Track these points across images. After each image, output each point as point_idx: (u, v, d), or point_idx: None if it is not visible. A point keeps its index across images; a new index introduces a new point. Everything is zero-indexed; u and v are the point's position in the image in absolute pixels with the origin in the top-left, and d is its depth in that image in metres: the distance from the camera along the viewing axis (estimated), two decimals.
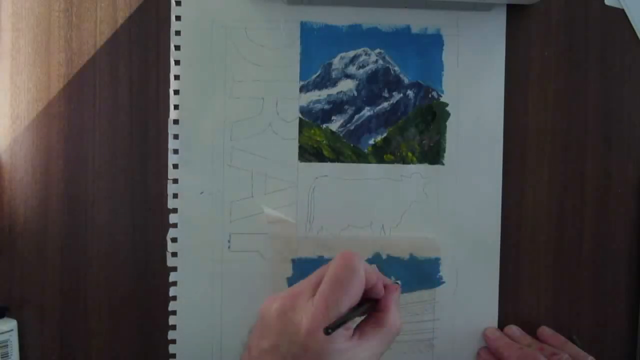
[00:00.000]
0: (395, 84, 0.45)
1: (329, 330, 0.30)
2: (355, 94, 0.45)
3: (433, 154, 0.45)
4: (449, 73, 0.45)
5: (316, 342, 0.31)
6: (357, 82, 0.45)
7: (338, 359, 0.32)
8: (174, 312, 0.44)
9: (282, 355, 0.32)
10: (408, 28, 0.45)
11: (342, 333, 0.32)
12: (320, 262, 0.44)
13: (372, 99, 0.45)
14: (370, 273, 0.34)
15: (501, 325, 0.45)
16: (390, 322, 0.35)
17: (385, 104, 0.45)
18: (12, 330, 0.43)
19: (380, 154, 0.45)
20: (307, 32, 0.44)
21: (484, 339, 0.45)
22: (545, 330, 0.45)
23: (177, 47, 0.44)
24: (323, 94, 0.45)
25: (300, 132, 0.44)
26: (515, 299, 0.45)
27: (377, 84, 0.45)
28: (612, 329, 0.46)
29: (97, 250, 0.44)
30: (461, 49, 0.45)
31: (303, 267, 0.44)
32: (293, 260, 0.44)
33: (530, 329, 0.45)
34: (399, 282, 0.40)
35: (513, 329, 0.45)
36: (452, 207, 0.45)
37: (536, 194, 0.46)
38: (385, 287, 0.36)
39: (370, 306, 0.35)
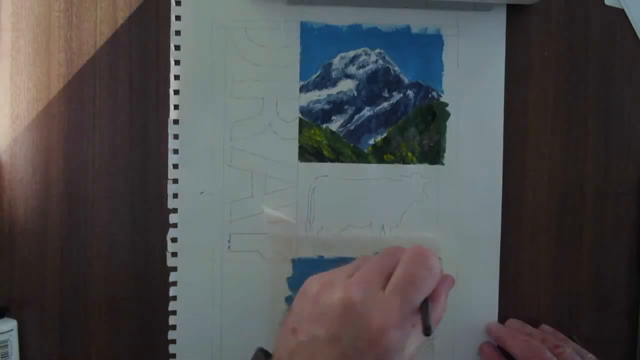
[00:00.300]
0: (395, 84, 0.45)
1: (429, 331, 0.30)
2: (355, 94, 0.45)
3: (433, 154, 0.45)
4: (449, 73, 0.45)
5: (387, 340, 0.30)
6: (357, 82, 0.45)
7: (400, 355, 0.31)
8: (174, 312, 0.44)
9: (343, 347, 0.30)
10: (408, 28, 0.45)
11: (412, 331, 0.31)
12: (320, 262, 0.44)
13: (372, 99, 0.45)
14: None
15: None
16: (438, 312, 0.34)
17: (385, 104, 0.45)
18: (12, 330, 0.43)
19: (380, 154, 0.45)
20: (307, 32, 0.44)
21: (487, 332, 0.44)
22: (545, 328, 0.45)
23: (177, 47, 0.44)
24: (323, 94, 0.45)
25: (300, 132, 0.44)
26: (515, 298, 0.45)
27: (377, 84, 0.45)
28: (612, 328, 0.46)
29: (97, 250, 0.44)
30: (461, 49, 0.45)
31: (303, 267, 0.44)
32: (293, 260, 0.44)
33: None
34: None
35: (514, 322, 0.45)
36: (452, 207, 0.45)
37: (536, 194, 0.45)
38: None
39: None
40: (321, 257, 0.44)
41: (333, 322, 0.31)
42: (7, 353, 0.43)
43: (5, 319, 0.43)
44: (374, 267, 0.33)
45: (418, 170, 0.45)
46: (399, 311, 0.31)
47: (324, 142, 0.45)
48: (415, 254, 0.33)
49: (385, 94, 0.45)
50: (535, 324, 0.45)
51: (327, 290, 0.32)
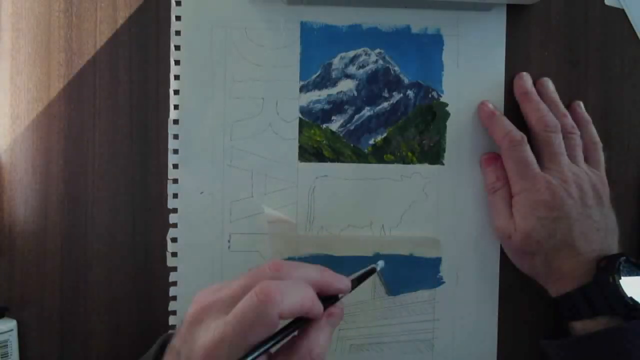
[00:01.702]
0: (395, 84, 0.45)
1: None
2: (355, 94, 0.45)
3: (433, 154, 0.45)
4: (449, 73, 0.45)
5: None
6: (357, 82, 0.45)
7: None
8: (174, 312, 0.44)
9: None
10: (408, 28, 0.45)
11: None
12: (320, 261, 0.44)
13: (372, 99, 0.45)
14: (303, 300, 0.31)
15: (500, 327, 0.45)
16: (304, 351, 0.31)
17: (385, 104, 0.45)
18: (12, 330, 0.43)
19: (380, 154, 0.45)
20: (307, 32, 0.44)
21: (514, 85, 0.45)
22: (578, 107, 0.45)
23: (177, 47, 0.44)
24: (323, 94, 0.45)
25: (300, 132, 0.44)
26: (515, 298, 0.45)
27: (377, 84, 0.45)
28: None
29: (97, 250, 0.44)
30: (461, 49, 0.45)
31: None
32: (293, 260, 0.44)
33: (530, 331, 0.45)
34: (376, 265, 0.39)
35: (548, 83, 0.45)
36: (452, 207, 0.45)
37: None
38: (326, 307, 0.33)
39: (296, 327, 0.32)
40: (321, 257, 0.44)
41: (180, 335, 0.32)
42: (7, 353, 0.43)
43: (5, 319, 0.43)
44: (229, 291, 0.32)
45: (418, 170, 0.45)
46: (221, 347, 0.29)
47: (324, 142, 0.45)
48: (257, 294, 0.30)
49: (385, 94, 0.45)
50: (536, 324, 0.45)
51: (190, 306, 0.32)
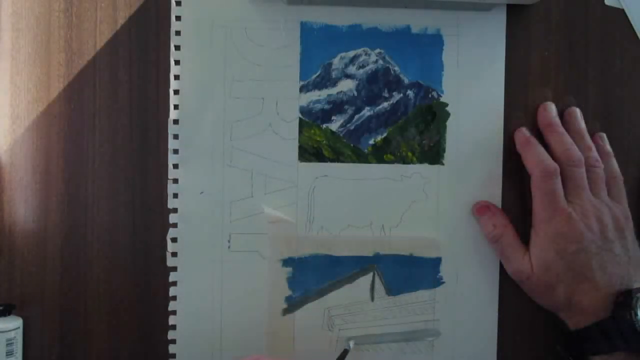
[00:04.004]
0: (395, 84, 0.45)
1: None
2: (355, 94, 0.45)
3: (433, 154, 0.45)
4: (449, 73, 0.45)
5: None
6: (357, 82, 0.45)
7: None
8: (174, 312, 0.44)
9: None
10: (408, 28, 0.45)
11: None
12: (320, 261, 0.44)
13: (372, 99, 0.45)
14: None
15: (500, 327, 0.45)
16: None
17: (385, 104, 0.45)
18: (18, 328, 0.43)
19: (380, 154, 0.45)
20: (307, 32, 0.44)
21: (538, 116, 0.44)
22: (601, 139, 0.45)
23: (177, 47, 0.44)
24: (323, 94, 0.45)
25: (300, 132, 0.44)
26: (515, 299, 0.45)
27: (377, 84, 0.45)
28: None
29: (97, 250, 0.44)
30: (461, 49, 0.45)
31: (303, 267, 0.44)
32: (293, 260, 0.44)
33: (530, 330, 0.45)
34: (348, 347, 0.43)
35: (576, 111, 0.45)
36: (452, 207, 0.45)
37: None
38: None
39: None
40: (321, 257, 0.44)
41: None
42: (13, 351, 0.43)
43: (12, 317, 0.43)
44: None
45: (418, 170, 0.45)
46: None
47: (324, 142, 0.45)
48: None
49: (385, 94, 0.45)
50: (536, 325, 0.45)
51: None
